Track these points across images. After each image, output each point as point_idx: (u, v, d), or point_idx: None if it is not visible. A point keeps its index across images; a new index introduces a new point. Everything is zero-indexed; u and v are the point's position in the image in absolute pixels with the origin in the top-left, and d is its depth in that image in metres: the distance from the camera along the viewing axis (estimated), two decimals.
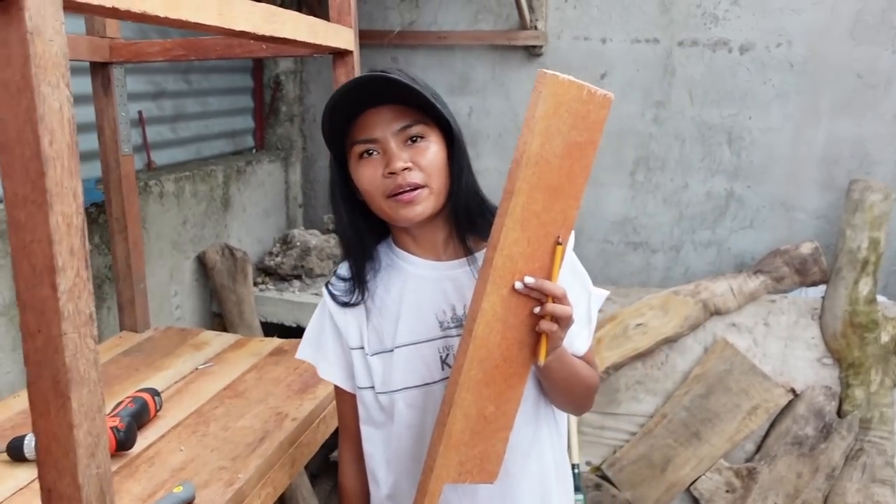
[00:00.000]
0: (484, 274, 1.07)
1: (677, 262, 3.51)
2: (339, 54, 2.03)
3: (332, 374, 1.32)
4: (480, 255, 1.17)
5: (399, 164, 1.13)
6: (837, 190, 3.23)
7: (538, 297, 1.07)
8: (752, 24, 3.23)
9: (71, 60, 2.13)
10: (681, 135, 3.41)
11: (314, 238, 3.47)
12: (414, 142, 1.15)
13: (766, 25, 3.21)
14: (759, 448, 3.08)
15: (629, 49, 3.39)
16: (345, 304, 1.26)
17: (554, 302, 1.07)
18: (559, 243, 1.08)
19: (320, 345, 1.32)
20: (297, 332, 3.24)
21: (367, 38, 3.61)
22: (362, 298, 1.25)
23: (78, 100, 2.62)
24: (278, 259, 3.45)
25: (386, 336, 1.25)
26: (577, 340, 1.26)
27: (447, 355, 1.22)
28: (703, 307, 3.09)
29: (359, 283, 1.25)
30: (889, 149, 3.17)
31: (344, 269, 1.30)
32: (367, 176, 1.16)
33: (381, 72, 1.16)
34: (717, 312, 3.11)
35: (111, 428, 1.51)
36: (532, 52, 3.50)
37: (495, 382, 1.10)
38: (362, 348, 1.27)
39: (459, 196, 1.19)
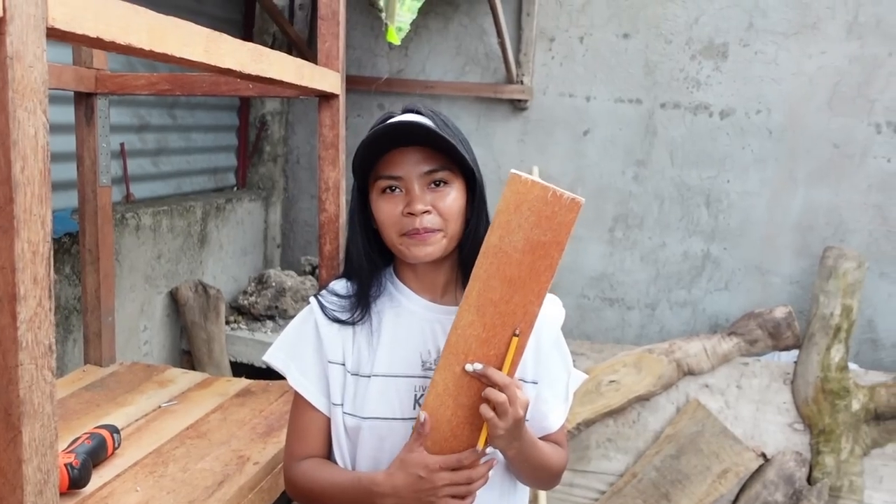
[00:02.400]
0: (443, 350, 1.12)
1: (652, 320, 3.52)
2: (326, 97, 2.03)
3: (304, 385, 1.27)
4: None
5: (419, 207, 1.16)
6: (812, 256, 3.27)
7: (487, 383, 1.10)
8: (732, 90, 3.30)
9: (56, 89, 2.12)
10: (660, 194, 3.45)
11: (290, 279, 3.45)
12: (437, 186, 1.19)
13: (747, 92, 3.29)
14: None
15: (612, 108, 3.45)
16: (336, 320, 1.25)
17: (500, 391, 1.08)
18: (516, 335, 1.11)
19: (296, 353, 1.28)
20: (266, 374, 3.18)
21: (356, 83, 3.65)
22: (361, 318, 1.25)
23: (60, 129, 2.61)
24: (252, 298, 3.41)
25: (366, 361, 1.24)
26: (552, 416, 1.29)
27: (421, 395, 1.22)
28: (676, 367, 3.09)
29: (363, 303, 1.26)
30: (863, 218, 3.22)
31: (340, 286, 1.30)
32: (387, 211, 1.19)
33: (416, 111, 1.22)
34: (691, 372, 3.11)
35: (65, 465, 1.46)
36: (517, 105, 3.54)
37: (442, 454, 1.13)
38: (343, 364, 1.25)
39: (472, 244, 1.21)
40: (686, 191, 3.42)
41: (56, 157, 2.58)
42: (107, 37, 1.03)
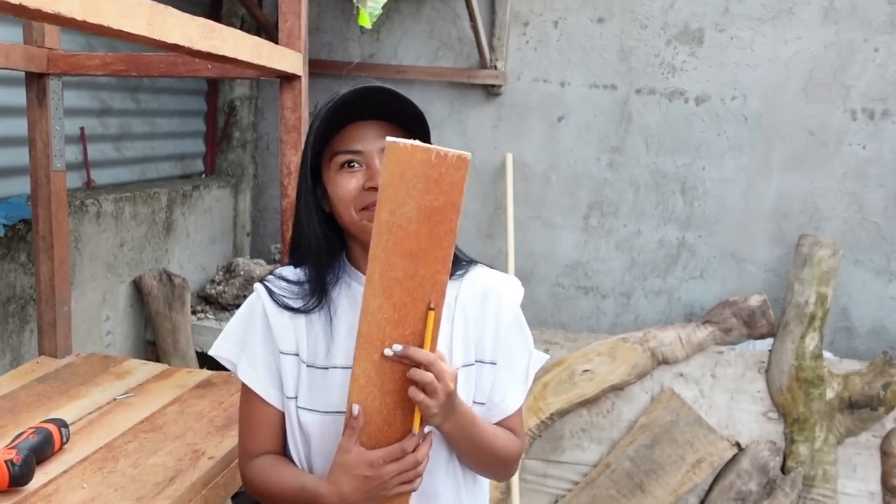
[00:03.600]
0: (356, 341, 1.06)
1: (627, 309, 3.48)
2: (287, 78, 1.97)
3: (254, 378, 1.21)
4: None
5: None
6: (787, 244, 3.24)
7: (410, 363, 1.05)
8: (708, 76, 3.26)
9: (4, 69, 2.02)
10: (635, 181, 3.41)
11: (259, 268, 3.37)
12: None
13: (722, 78, 3.25)
14: (702, 502, 3.03)
15: (587, 94, 3.40)
16: (288, 308, 1.19)
17: (425, 370, 1.03)
18: (431, 308, 1.05)
19: (244, 344, 1.22)
20: None
21: (326, 67, 3.57)
22: (318, 306, 1.19)
23: (13, 111, 2.49)
24: (220, 288, 3.33)
25: (322, 352, 1.19)
26: (510, 397, 1.24)
27: None
28: (651, 356, 3.06)
29: (320, 289, 1.20)
30: (838, 205, 3.20)
31: (289, 272, 1.24)
32: (346, 186, 1.15)
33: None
34: (665, 361, 3.08)
35: (5, 461, 1.39)
36: (491, 91, 3.48)
37: (379, 447, 1.08)
38: (297, 355, 1.19)
39: None
40: (661, 178, 3.38)
41: (11, 142, 2.50)
42: (31, 4, 0.96)
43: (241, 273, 3.34)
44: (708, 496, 3.01)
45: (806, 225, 3.24)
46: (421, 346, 1.05)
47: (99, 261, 2.82)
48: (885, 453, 2.93)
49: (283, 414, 1.22)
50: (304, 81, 2.04)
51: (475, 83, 3.47)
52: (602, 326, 3.50)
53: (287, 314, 1.20)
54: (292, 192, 2.07)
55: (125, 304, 3.01)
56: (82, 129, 2.86)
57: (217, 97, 3.76)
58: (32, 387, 2.00)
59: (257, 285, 1.24)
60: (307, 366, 1.19)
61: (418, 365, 1.04)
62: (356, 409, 1.06)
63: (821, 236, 3.07)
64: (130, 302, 3.03)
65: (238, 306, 3.27)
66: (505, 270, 3.32)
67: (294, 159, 2.07)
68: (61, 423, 1.63)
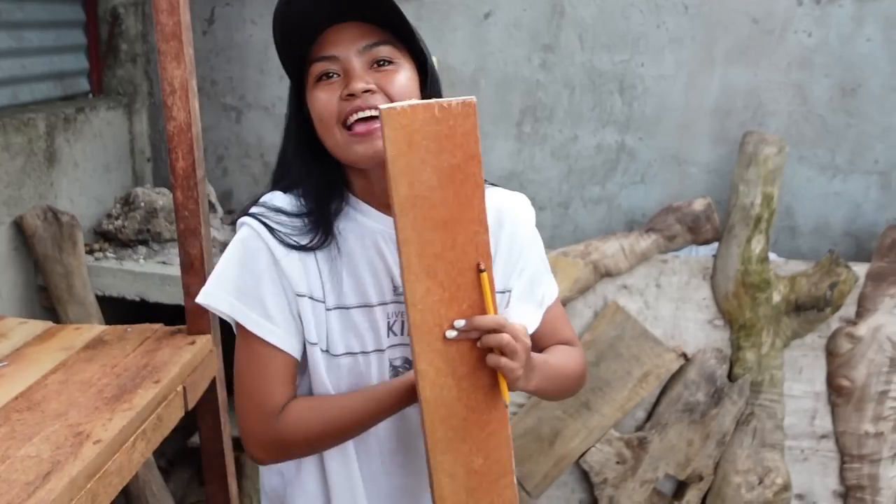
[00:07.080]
0: (411, 335, 1.00)
1: (566, 220, 3.30)
2: None
3: (272, 331, 1.09)
4: None
5: (360, 85, 1.03)
6: (730, 143, 3.06)
7: (478, 335, 1.01)
8: None
9: None
10: (570, 82, 3.15)
11: (162, 197, 3.02)
12: (381, 66, 1.07)
13: None
14: (649, 416, 2.94)
15: None
16: (296, 247, 1.08)
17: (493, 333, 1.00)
18: (481, 270, 1.00)
19: (247, 292, 1.08)
20: (140, 308, 2.81)
21: None
22: (325, 242, 1.10)
23: None
24: (118, 222, 2.98)
25: (333, 291, 1.12)
26: (539, 289, 1.34)
27: (395, 322, 1.14)
28: (593, 269, 2.89)
29: (325, 224, 1.11)
30: (783, 99, 3.02)
31: (283, 201, 1.13)
32: (323, 100, 1.05)
33: None
34: (608, 274, 2.92)
35: None
36: None
37: (471, 436, 1.04)
38: (311, 297, 1.10)
39: None
40: (598, 77, 3.13)
41: None
42: None
43: (142, 205, 2.99)
44: (655, 409, 2.92)
45: (749, 121, 3.06)
46: (483, 313, 1.01)
47: None
48: (830, 353, 2.87)
49: (297, 363, 1.13)
50: None
51: None
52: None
53: (295, 254, 1.09)
54: (178, 113, 1.76)
55: (7, 249, 2.65)
56: None
57: (96, 4, 3.29)
58: None
59: (250, 221, 1.09)
60: (327, 309, 1.11)
61: (487, 332, 1.00)
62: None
63: (766, 133, 2.89)
64: (14, 245, 2.67)
65: (142, 241, 2.94)
66: None
67: (177, 74, 1.74)
68: None
